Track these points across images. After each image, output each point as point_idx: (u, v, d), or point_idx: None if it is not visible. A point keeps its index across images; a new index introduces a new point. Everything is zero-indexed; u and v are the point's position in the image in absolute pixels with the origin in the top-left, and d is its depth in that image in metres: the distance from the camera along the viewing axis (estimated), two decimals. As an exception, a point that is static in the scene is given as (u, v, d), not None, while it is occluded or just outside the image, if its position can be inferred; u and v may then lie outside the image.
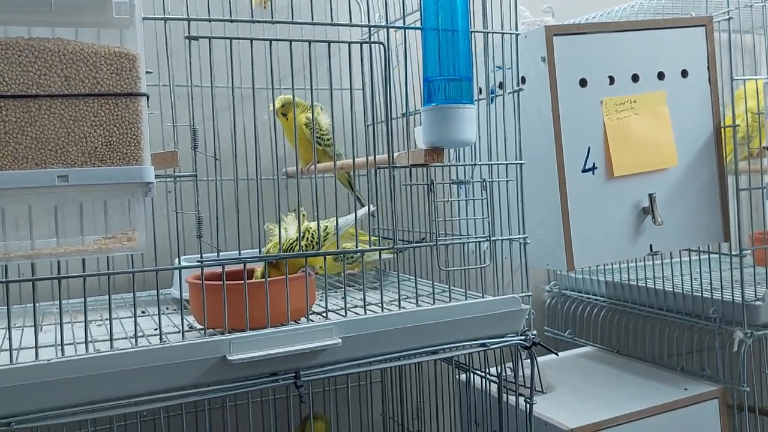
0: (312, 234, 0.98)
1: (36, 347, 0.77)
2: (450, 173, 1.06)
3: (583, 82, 1.12)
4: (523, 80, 1.14)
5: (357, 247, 0.97)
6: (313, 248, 0.97)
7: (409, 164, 0.93)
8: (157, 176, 0.79)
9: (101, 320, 1.05)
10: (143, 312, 1.12)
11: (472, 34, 0.96)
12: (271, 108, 1.24)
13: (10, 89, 0.64)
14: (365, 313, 0.92)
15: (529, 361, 1.02)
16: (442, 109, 0.89)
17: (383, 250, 0.94)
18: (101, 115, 0.67)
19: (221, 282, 0.84)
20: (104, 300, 1.05)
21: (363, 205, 1.29)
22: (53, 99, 0.65)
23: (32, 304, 0.75)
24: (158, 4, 0.83)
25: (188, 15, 0.81)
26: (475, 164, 0.99)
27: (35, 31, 0.66)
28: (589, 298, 1.56)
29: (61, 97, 0.65)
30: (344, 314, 0.92)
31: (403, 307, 0.95)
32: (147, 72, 0.80)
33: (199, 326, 0.90)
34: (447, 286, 0.99)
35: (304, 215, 1.03)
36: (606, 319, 1.50)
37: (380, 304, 0.94)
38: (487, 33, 1.00)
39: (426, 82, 0.91)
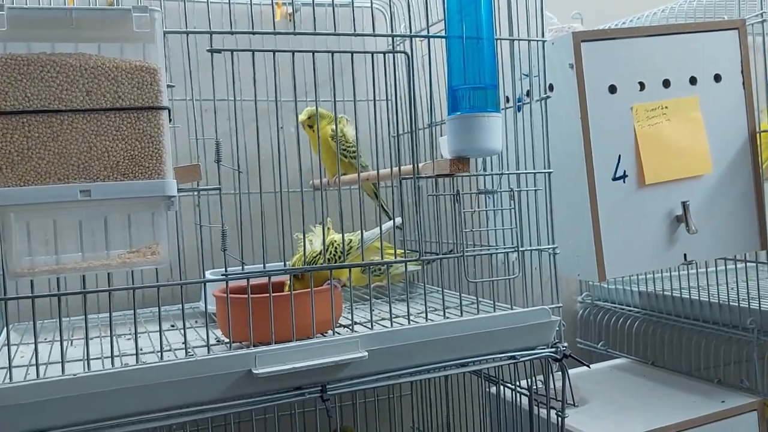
0: (336, 247, 0.97)
1: (63, 362, 0.77)
2: (477, 183, 1.04)
3: (612, 89, 1.10)
4: (551, 88, 1.12)
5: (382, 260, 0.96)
6: (337, 261, 0.97)
7: (434, 174, 0.91)
8: (180, 190, 0.79)
9: (130, 334, 1.05)
10: (172, 326, 1.12)
11: (498, 41, 0.95)
12: (300, 120, 1.25)
13: (32, 105, 0.64)
14: (392, 325, 0.90)
15: (560, 373, 1.00)
16: (467, 117, 0.88)
17: (409, 261, 0.92)
18: (123, 129, 0.67)
19: (246, 295, 0.83)
20: (128, 315, 1.05)
21: (389, 217, 1.28)
22: (75, 114, 0.65)
23: (58, 319, 0.75)
24: (182, 19, 0.83)
25: (210, 28, 0.81)
26: (502, 173, 0.97)
27: (58, 47, 0.66)
28: (623, 309, 1.53)
29: (83, 111, 0.65)
30: (371, 327, 0.90)
31: (431, 320, 0.93)
32: (169, 86, 0.80)
33: (226, 340, 0.90)
34: (475, 298, 0.98)
35: (329, 228, 1.02)
36: (640, 330, 1.46)
37: (407, 317, 0.93)
38: (513, 40, 0.98)
39: (451, 91, 0.90)
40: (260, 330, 0.84)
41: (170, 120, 0.76)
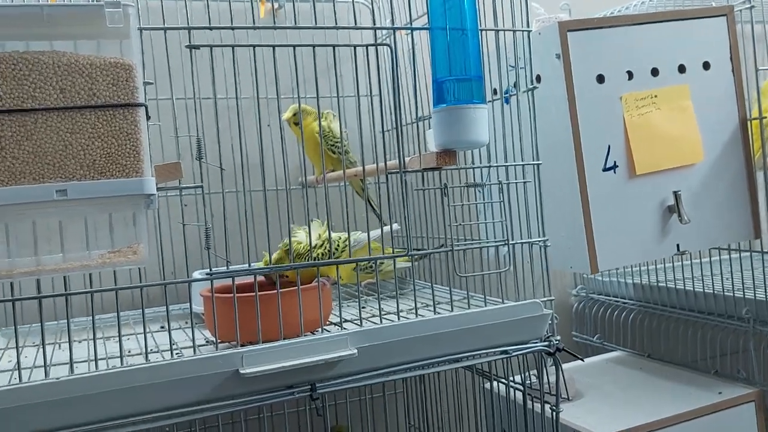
0: (325, 244, 0.96)
1: (45, 366, 0.76)
2: (465, 176, 1.03)
3: (600, 78, 1.09)
4: (539, 79, 1.11)
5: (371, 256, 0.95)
6: (327, 258, 0.95)
7: (421, 168, 0.90)
8: (161, 188, 0.78)
9: (116, 337, 1.04)
10: (162, 327, 1.10)
11: (482, 32, 0.94)
12: (285, 117, 1.23)
13: (5, 104, 0.63)
14: (381, 322, 0.89)
15: (554, 367, 0.99)
16: (452, 110, 0.87)
17: (397, 257, 0.91)
18: (99, 127, 0.65)
19: (235, 294, 0.82)
20: (125, 315, 1.04)
21: (376, 215, 1.26)
22: (49, 112, 0.64)
23: (40, 323, 0.73)
24: (162, 15, 0.82)
25: (189, 24, 0.80)
26: (490, 166, 0.96)
27: (31, 45, 0.65)
28: (618, 302, 1.52)
29: (58, 110, 0.64)
30: (360, 324, 0.89)
31: (421, 315, 0.92)
32: (148, 83, 0.79)
33: (214, 340, 0.88)
34: (466, 293, 0.96)
35: (324, 224, 1.01)
36: (635, 322, 1.45)
37: (397, 313, 0.92)
38: (498, 31, 0.97)
39: (435, 83, 0.88)
40: (247, 329, 0.83)
41: (148, 117, 0.75)
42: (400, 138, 0.88)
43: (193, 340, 0.82)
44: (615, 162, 1.09)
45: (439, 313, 0.92)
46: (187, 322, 1.12)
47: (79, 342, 0.95)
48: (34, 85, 0.64)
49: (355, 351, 0.83)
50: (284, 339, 0.83)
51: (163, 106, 1.08)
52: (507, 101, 1.03)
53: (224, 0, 0.89)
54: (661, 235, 1.13)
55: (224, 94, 0.99)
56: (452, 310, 0.93)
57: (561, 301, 1.65)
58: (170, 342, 0.82)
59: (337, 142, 1.23)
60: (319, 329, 0.89)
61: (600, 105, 1.08)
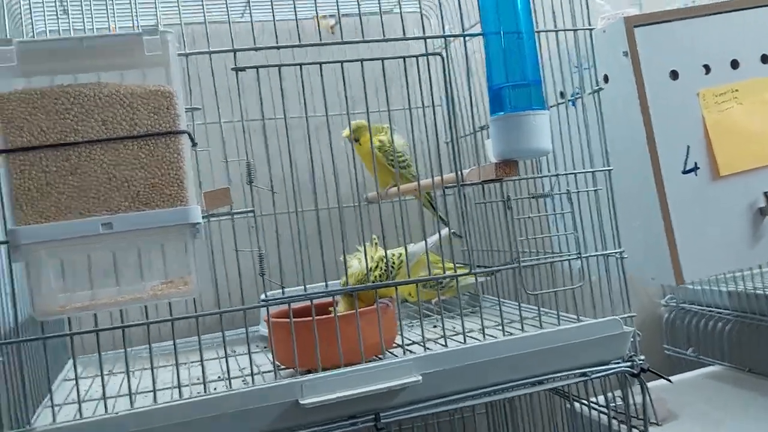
0: (382, 264, 0.92)
1: (104, 398, 0.75)
2: (529, 186, 0.97)
3: (674, 74, 1.01)
4: (606, 79, 1.04)
5: (432, 274, 0.90)
6: (386, 278, 0.92)
7: (480, 181, 0.86)
8: (213, 215, 0.77)
9: (191, 363, 1.03)
10: (233, 351, 1.09)
11: (540, 33, 0.89)
12: (344, 135, 1.21)
13: (48, 138, 0.62)
14: (446, 345, 0.85)
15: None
16: (510, 117, 0.82)
17: (460, 276, 0.86)
18: (141, 157, 0.64)
19: (292, 319, 0.80)
20: (183, 342, 1.04)
21: (447, 225, 1.22)
22: (92, 145, 0.63)
23: (97, 354, 0.73)
24: (206, 39, 0.81)
25: (234, 46, 0.78)
26: (557, 174, 0.90)
27: (71, 78, 0.64)
28: (712, 311, 1.41)
29: (100, 141, 0.63)
30: (423, 348, 0.85)
31: (491, 336, 0.87)
32: (194, 108, 0.78)
33: (281, 366, 0.86)
34: (537, 310, 0.90)
35: (375, 244, 0.98)
36: (733, 333, 1.34)
37: (462, 334, 0.87)
38: (557, 31, 0.92)
39: (491, 91, 0.84)
40: (307, 355, 0.80)
41: (195, 144, 0.74)
42: (456, 150, 0.84)
43: (251, 368, 0.79)
44: (695, 163, 1.01)
45: (509, 334, 0.87)
46: (257, 346, 1.11)
47: (133, 372, 0.95)
48: (76, 119, 0.63)
49: (420, 378, 0.79)
50: (345, 366, 0.79)
51: (212, 131, 1.08)
52: (573, 104, 0.97)
53: (269, 20, 0.88)
54: (753, 240, 1.03)
55: (272, 114, 0.98)
56: (523, 330, 0.88)
57: (650, 311, 1.56)
58: (228, 372, 0.80)
59: (398, 157, 1.20)
60: (384, 353, 0.86)
61: (675, 103, 1.00)
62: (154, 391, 0.76)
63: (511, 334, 0.87)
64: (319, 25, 1.31)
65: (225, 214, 0.77)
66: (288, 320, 0.80)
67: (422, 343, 0.86)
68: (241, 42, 0.81)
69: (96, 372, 1.03)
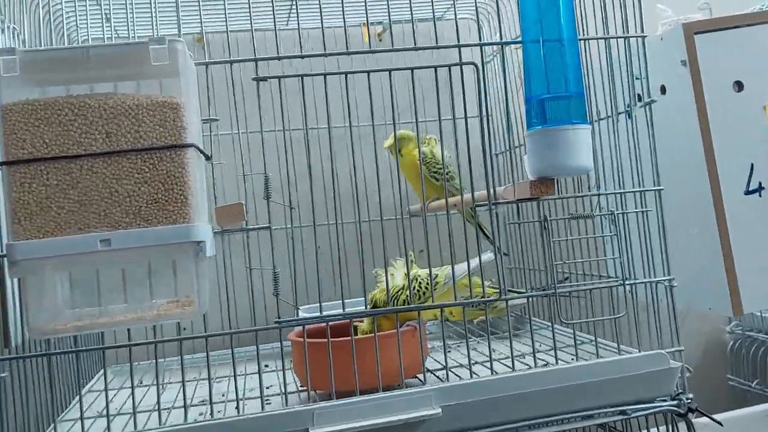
0: (420, 282, 0.87)
1: (108, 416, 0.73)
2: (577, 206, 0.90)
3: (738, 86, 0.93)
4: (663, 90, 0.97)
5: (471, 297, 0.85)
6: (420, 298, 0.87)
7: (515, 199, 0.80)
8: (226, 231, 0.73)
9: (222, 377, 1.01)
10: (266, 366, 1.07)
11: (587, 41, 0.82)
12: (386, 145, 1.17)
13: (51, 151, 0.60)
14: (471, 376, 0.79)
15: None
16: (547, 132, 0.75)
17: (489, 301, 0.81)
18: (145, 172, 0.62)
19: (314, 340, 0.76)
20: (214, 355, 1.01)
21: (491, 241, 1.16)
22: (95, 158, 0.61)
23: (104, 369, 0.71)
24: (227, 48, 0.78)
25: (255, 55, 0.75)
26: (598, 194, 0.83)
27: (75, 88, 0.62)
28: (780, 342, 1.31)
29: (103, 155, 0.61)
30: (446, 378, 0.79)
31: (525, 365, 0.81)
32: (213, 119, 0.75)
33: (302, 387, 0.83)
34: (573, 338, 0.84)
35: (412, 261, 0.93)
36: (803, 366, 1.24)
37: (489, 362, 0.81)
38: (607, 39, 0.85)
39: (528, 102, 0.78)
40: (324, 378, 0.76)
41: (208, 157, 0.70)
42: (490, 166, 0.78)
43: (261, 389, 0.76)
44: (760, 183, 0.92)
45: (543, 363, 0.81)
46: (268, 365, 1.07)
47: (162, 385, 0.93)
48: (80, 131, 0.61)
49: (440, 410, 0.74)
50: (363, 392, 0.75)
51: (253, 142, 1.05)
52: (629, 116, 0.90)
53: (293, 28, 0.85)
54: (826, 269, 0.94)
55: (295, 125, 0.94)
56: (556, 363, 0.81)
57: (713, 338, 1.45)
58: (236, 396, 0.76)
59: (439, 169, 1.15)
60: (403, 382, 0.81)
61: (739, 116, 0.92)
62: (159, 410, 0.74)
63: (546, 363, 0.81)
64: (365, 33, 1.28)
65: (239, 230, 0.74)
66: (308, 340, 0.76)
67: (445, 372, 0.80)
68: (287, 51, 0.77)
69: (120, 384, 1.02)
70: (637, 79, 0.91)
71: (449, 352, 1.01)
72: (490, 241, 1.17)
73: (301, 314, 1.13)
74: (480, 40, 0.95)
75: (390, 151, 1.16)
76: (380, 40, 1.35)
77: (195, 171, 0.63)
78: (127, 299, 0.63)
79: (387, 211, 1.27)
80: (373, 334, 0.79)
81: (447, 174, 1.15)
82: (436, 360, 0.96)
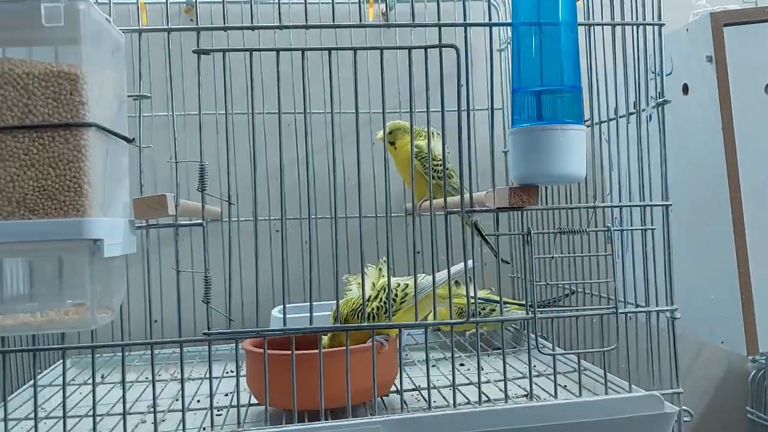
0: (381, 295, 0.77)
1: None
2: (588, 216, 0.78)
3: (771, 88, 0.80)
4: (686, 89, 0.84)
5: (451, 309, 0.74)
6: (385, 312, 0.76)
7: (494, 208, 0.68)
8: (151, 225, 0.64)
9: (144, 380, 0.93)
10: (231, 371, 0.98)
11: (592, 27, 0.70)
12: (379, 135, 1.06)
13: None
14: (430, 408, 0.68)
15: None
16: (533, 131, 0.64)
17: (455, 324, 0.69)
18: (33, 153, 0.52)
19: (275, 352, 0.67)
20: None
21: (490, 247, 1.04)
22: (-28, 135, 0.51)
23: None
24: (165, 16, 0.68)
25: (198, 24, 0.65)
26: (595, 206, 0.71)
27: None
28: (806, 376, 1.17)
29: (-17, 131, 0.51)
30: (402, 407, 0.69)
31: (489, 401, 0.70)
32: (145, 96, 0.65)
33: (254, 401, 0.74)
34: (554, 371, 0.72)
35: (380, 269, 0.83)
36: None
37: (452, 397, 0.70)
38: (615, 25, 0.72)
39: (513, 95, 0.66)
40: (280, 394, 0.67)
41: (129, 140, 0.61)
42: (462, 167, 0.67)
43: (211, 401, 0.66)
44: (790, 202, 0.79)
45: (514, 398, 0.69)
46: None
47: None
48: (-46, 101, 0.51)
49: (385, 447, 0.63)
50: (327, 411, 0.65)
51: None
52: (650, 118, 0.77)
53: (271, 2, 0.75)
54: None
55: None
56: (530, 398, 0.70)
57: (734, 366, 1.32)
58: (183, 421, 0.67)
59: (437, 165, 1.04)
60: (376, 399, 0.70)
61: (769, 124, 0.79)
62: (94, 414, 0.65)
63: (515, 397, 0.70)
64: (370, 11, 1.18)
65: (167, 225, 0.64)
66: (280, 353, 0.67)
67: (401, 401, 0.70)
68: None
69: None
70: (657, 75, 0.78)
71: (433, 366, 0.91)
72: (490, 247, 1.05)
73: (273, 316, 1.04)
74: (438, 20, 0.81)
75: (388, 142, 1.06)
76: (383, 19, 1.24)
77: (96, 155, 0.53)
78: (3, 300, 0.53)
79: (373, 209, 1.17)
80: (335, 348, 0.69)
81: (442, 170, 1.04)
82: (410, 377, 0.86)
